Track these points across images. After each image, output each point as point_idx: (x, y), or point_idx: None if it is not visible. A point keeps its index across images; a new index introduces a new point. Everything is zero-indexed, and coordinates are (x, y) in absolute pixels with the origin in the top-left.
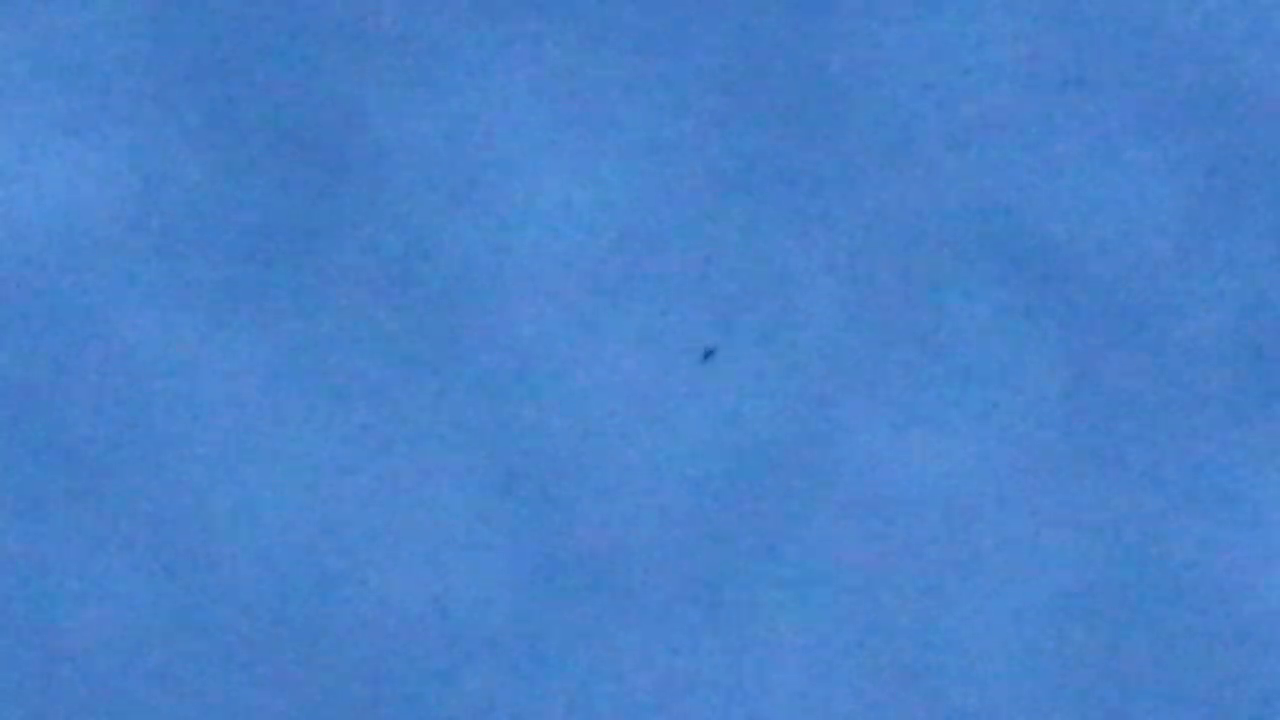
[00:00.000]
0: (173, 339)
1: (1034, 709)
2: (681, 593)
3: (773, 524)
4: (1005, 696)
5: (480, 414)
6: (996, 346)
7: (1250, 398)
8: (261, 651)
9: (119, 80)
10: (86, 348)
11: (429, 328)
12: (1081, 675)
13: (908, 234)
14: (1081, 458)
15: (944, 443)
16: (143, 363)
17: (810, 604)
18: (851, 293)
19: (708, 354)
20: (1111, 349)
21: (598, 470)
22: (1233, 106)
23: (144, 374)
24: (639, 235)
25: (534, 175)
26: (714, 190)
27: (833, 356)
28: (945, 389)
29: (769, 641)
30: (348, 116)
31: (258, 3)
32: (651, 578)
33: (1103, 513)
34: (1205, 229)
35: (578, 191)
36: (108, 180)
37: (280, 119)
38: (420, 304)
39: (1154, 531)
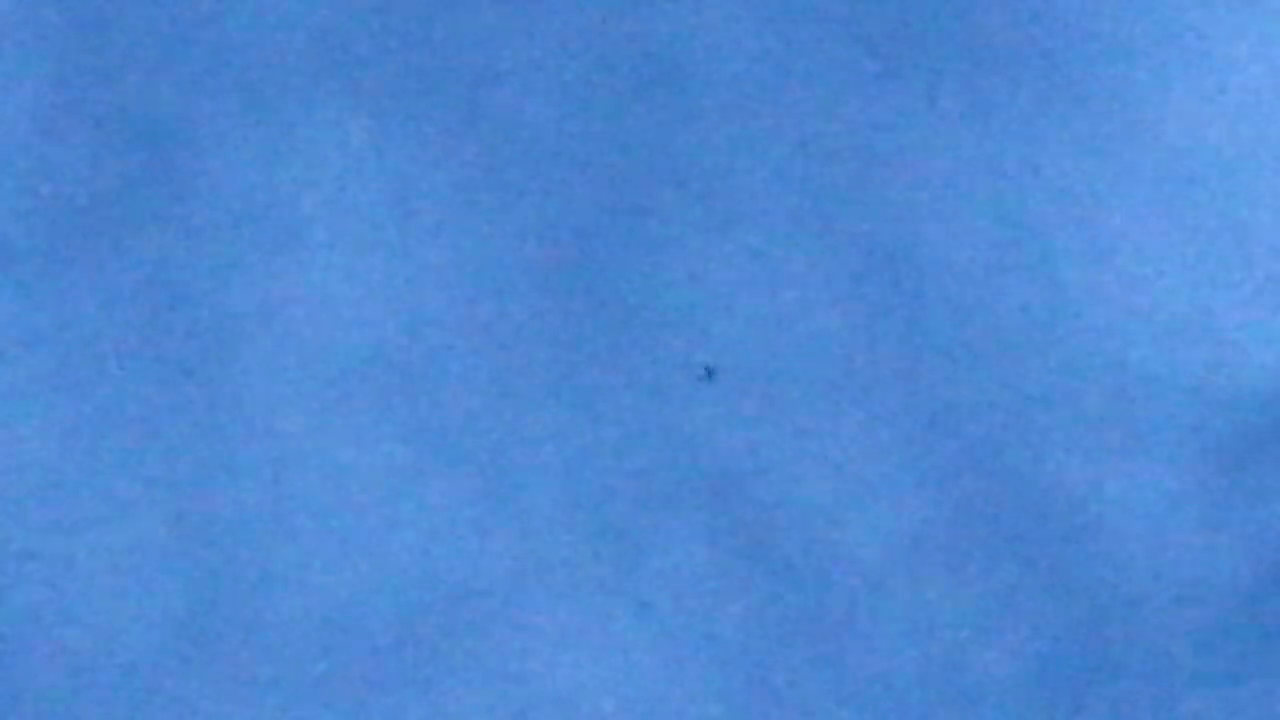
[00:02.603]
0: None
1: None
2: (299, 691)
3: (408, 678)
4: None
5: (189, 461)
6: (690, 598)
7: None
8: None
9: None
10: None
11: (174, 359)
12: None
13: (639, 460)
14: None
15: (604, 667)
16: None
17: None
18: (570, 495)
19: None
20: (795, 638)
21: (276, 549)
22: (980, 460)
23: None
24: (405, 345)
25: (333, 254)
26: (493, 338)
27: (532, 543)
28: (626, 617)
29: None
30: (187, 129)
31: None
32: (286, 670)
33: None
34: (918, 557)
35: (377, 281)
36: None
37: (121, 108)
38: (177, 333)
39: None
